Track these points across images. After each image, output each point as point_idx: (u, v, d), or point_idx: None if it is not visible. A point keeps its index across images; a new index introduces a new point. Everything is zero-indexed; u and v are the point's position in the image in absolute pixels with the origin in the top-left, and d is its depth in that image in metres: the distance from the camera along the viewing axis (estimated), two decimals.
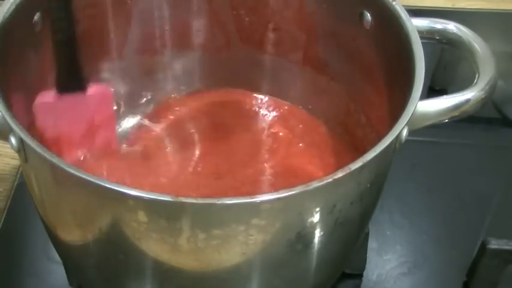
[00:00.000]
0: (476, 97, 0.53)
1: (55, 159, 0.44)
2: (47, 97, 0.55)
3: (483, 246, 0.59)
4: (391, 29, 0.55)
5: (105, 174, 0.60)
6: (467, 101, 0.53)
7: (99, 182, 0.43)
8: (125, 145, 0.66)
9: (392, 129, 0.47)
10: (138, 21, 0.65)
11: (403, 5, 0.55)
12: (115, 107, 0.63)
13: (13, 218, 0.66)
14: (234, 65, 0.69)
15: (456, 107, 0.53)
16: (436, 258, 0.65)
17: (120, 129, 0.67)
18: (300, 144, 0.67)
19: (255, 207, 0.44)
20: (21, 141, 0.47)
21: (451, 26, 0.57)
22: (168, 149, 0.67)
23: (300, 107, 0.70)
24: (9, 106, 0.47)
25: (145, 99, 0.70)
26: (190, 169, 0.65)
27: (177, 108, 0.70)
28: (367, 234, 0.62)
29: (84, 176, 0.43)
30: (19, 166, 0.69)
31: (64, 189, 0.47)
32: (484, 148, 0.74)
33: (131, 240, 0.46)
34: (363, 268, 0.63)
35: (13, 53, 0.53)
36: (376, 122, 0.61)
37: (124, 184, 0.43)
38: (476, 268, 0.61)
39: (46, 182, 0.49)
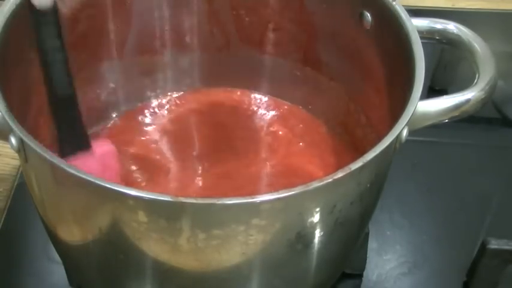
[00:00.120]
0: (477, 97, 0.53)
1: (55, 159, 0.44)
2: None
3: (483, 246, 0.59)
4: (391, 29, 0.55)
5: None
6: (468, 101, 0.53)
7: (99, 182, 0.43)
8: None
9: (392, 129, 0.47)
10: (138, 21, 0.65)
11: (403, 5, 0.55)
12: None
13: (13, 218, 0.66)
14: (233, 65, 0.69)
15: (456, 107, 0.53)
16: (436, 258, 0.65)
17: None
18: (300, 144, 0.67)
19: (255, 207, 0.44)
20: (21, 141, 0.46)
21: (451, 26, 0.57)
22: (168, 149, 0.67)
23: (300, 106, 0.70)
24: (9, 106, 0.47)
25: (145, 99, 0.70)
26: (190, 169, 0.65)
27: (177, 108, 0.70)
28: (367, 234, 0.62)
29: (84, 176, 0.43)
30: (19, 166, 0.69)
31: (64, 189, 0.47)
32: (484, 148, 0.74)
33: (131, 240, 0.46)
34: (363, 268, 0.63)
35: (13, 53, 0.53)
36: (376, 122, 0.61)
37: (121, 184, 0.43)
38: (476, 268, 0.61)
39: (46, 182, 0.49)
